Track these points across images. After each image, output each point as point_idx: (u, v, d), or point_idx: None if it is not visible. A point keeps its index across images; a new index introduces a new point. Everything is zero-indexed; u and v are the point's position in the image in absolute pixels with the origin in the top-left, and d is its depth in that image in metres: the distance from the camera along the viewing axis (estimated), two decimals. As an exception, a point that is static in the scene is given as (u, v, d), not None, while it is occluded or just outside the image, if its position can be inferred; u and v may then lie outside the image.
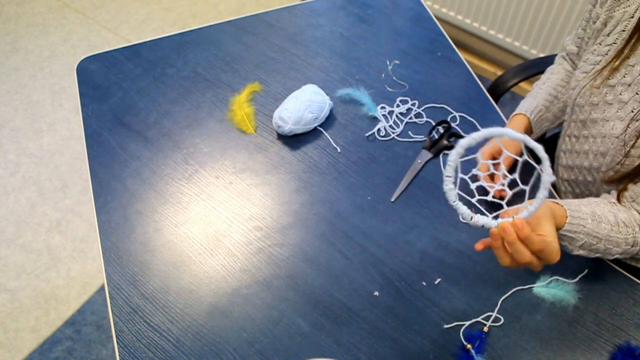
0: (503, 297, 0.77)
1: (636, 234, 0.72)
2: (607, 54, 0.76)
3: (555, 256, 0.60)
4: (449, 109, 1.02)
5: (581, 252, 0.71)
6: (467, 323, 0.74)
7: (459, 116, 1.01)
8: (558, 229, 0.66)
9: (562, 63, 0.98)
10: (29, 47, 2.40)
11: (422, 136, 0.98)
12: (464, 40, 2.13)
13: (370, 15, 1.23)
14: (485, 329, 0.74)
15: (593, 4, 0.81)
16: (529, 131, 0.92)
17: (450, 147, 0.94)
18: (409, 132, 0.99)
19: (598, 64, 0.78)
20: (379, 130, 0.99)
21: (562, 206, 0.68)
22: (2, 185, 1.89)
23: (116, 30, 2.47)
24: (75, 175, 1.93)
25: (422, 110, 1.02)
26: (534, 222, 0.61)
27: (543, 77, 0.99)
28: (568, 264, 0.79)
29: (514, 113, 0.93)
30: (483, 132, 0.54)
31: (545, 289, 0.78)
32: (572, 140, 0.86)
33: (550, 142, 1.22)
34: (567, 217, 0.67)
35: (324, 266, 0.81)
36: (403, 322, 0.75)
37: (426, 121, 1.00)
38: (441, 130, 0.97)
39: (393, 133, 0.98)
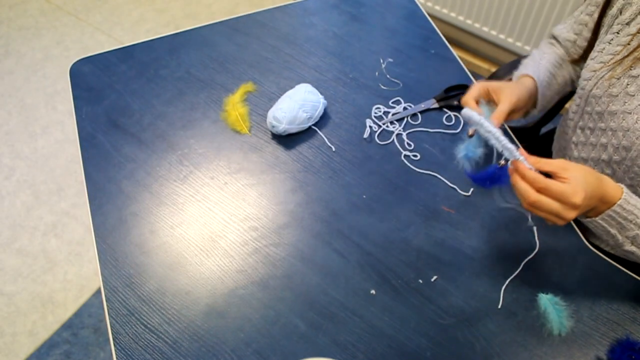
0: (500, 293, 0.77)
1: None
2: (629, 44, 0.73)
3: (575, 198, 0.59)
4: (445, 109, 1.02)
5: (632, 249, 0.68)
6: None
7: (453, 115, 1.01)
8: (607, 205, 0.65)
9: (553, 46, 0.94)
10: (21, 50, 2.39)
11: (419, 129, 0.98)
12: (458, 38, 2.13)
13: (363, 14, 1.23)
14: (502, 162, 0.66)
15: None
16: (534, 93, 0.85)
17: (457, 108, 1.02)
18: (404, 132, 0.99)
19: (618, 53, 0.74)
20: (373, 129, 0.99)
21: (621, 187, 0.65)
22: (-4, 189, 1.89)
23: (109, 32, 2.46)
24: (70, 178, 1.93)
25: (419, 113, 1.02)
26: (561, 166, 0.61)
27: (536, 53, 0.94)
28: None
29: (521, 73, 0.86)
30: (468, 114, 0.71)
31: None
32: (586, 132, 0.83)
33: (545, 138, 1.22)
34: (623, 193, 0.65)
35: (320, 265, 0.81)
36: (400, 320, 0.76)
37: (421, 120, 1.00)
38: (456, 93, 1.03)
39: (388, 132, 0.98)
